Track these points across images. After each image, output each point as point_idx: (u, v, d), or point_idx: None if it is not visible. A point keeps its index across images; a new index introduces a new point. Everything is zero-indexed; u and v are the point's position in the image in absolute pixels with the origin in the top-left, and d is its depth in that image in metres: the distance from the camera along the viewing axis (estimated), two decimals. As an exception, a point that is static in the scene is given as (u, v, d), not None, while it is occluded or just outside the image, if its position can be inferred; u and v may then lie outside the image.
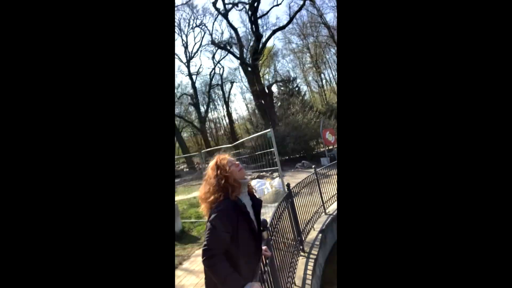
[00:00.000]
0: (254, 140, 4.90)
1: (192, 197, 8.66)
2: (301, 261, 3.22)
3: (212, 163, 1.47)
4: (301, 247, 3.45)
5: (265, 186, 7.37)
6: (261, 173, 10.06)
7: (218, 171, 1.40)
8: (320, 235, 3.93)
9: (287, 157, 13.45)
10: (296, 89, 19.47)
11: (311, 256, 3.35)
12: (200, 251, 4.23)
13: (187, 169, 20.04)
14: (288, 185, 3.51)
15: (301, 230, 3.60)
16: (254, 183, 7.84)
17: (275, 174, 10.06)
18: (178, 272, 3.62)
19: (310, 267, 3.08)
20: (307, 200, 4.09)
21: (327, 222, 4.31)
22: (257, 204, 1.49)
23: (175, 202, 5.97)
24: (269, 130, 3.63)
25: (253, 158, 5.59)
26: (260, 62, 21.27)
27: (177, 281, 3.36)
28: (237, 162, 1.47)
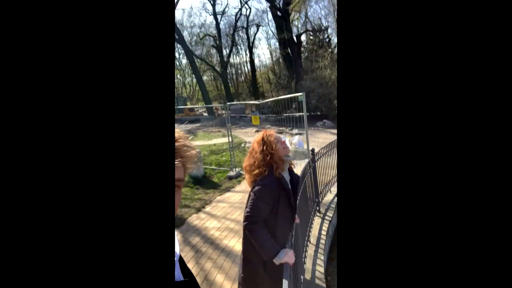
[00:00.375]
0: (283, 101, 4.80)
1: (213, 144, 8.98)
2: (317, 221, 3.44)
3: (258, 137, 1.51)
4: (317, 208, 3.66)
5: (285, 142, 7.47)
6: (280, 128, 10.11)
7: (264, 147, 1.44)
8: (336, 198, 4.11)
9: (308, 114, 13.23)
10: (327, 40, 18.05)
11: (326, 217, 3.57)
12: (220, 197, 4.50)
13: (206, 114, 20.34)
14: (312, 150, 3.56)
15: (319, 192, 3.77)
16: (274, 138, 7.95)
17: (295, 130, 10.09)
18: (201, 215, 3.99)
19: (324, 228, 3.31)
20: (327, 162, 4.17)
21: (344, 186, 4.45)
22: (296, 180, 1.57)
23: (199, 148, 6.25)
24: (301, 94, 3.53)
25: (276, 113, 5.57)
26: (292, 6, 19.51)
27: (200, 223, 3.73)
28: (282, 140, 1.50)
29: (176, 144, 0.53)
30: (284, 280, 1.16)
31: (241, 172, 5.90)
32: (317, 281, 2.33)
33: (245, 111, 15.43)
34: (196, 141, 9.96)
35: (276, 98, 4.49)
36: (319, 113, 13.55)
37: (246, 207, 1.41)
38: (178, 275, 0.57)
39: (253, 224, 1.36)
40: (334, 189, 4.37)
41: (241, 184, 5.35)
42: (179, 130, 0.57)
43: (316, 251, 2.80)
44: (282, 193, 1.42)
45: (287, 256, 1.33)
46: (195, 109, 22.02)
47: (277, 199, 1.40)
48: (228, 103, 6.12)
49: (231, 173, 5.75)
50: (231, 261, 2.72)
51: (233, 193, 4.86)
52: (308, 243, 2.84)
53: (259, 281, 1.44)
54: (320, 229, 3.29)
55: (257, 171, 1.44)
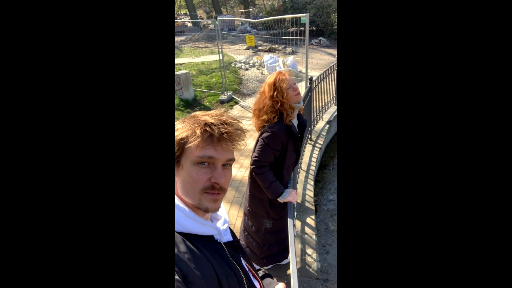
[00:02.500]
0: (283, 20, 4.30)
1: (200, 62, 8.42)
2: (308, 148, 3.62)
3: (270, 79, 1.40)
4: (309, 136, 3.78)
5: (278, 64, 7.12)
6: (273, 46, 9.44)
7: (275, 93, 1.36)
8: (327, 126, 4.22)
9: (302, 29, 12.18)
10: None
11: (317, 145, 3.74)
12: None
13: (190, 25, 18.34)
14: (311, 78, 3.43)
15: (312, 121, 3.83)
16: (267, 58, 7.51)
17: (288, 49, 9.47)
18: (195, 140, 4.07)
19: (315, 155, 3.51)
20: (323, 88, 4.10)
21: (335, 113, 4.50)
22: (303, 124, 1.56)
23: (188, 70, 5.88)
24: (305, 15, 3.15)
25: (268, 28, 5.09)
26: None
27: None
28: (295, 86, 1.40)
29: (229, 128, 0.58)
30: (288, 219, 1.28)
31: (233, 96, 5.76)
32: (306, 204, 2.61)
33: (234, 24, 13.96)
34: (181, 57, 9.28)
35: (277, 17, 4.02)
36: (314, 29, 12.50)
37: (254, 151, 1.43)
38: (229, 237, 0.67)
39: (260, 168, 1.41)
40: (325, 116, 4.44)
41: (234, 109, 5.31)
42: (229, 113, 0.61)
43: (306, 177, 3.04)
44: (290, 140, 1.43)
45: (290, 196, 1.44)
46: (178, 18, 19.75)
47: (285, 146, 1.42)
48: (218, 18, 5.46)
49: (223, 97, 5.62)
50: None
51: (225, 118, 4.86)
52: (299, 170, 3.04)
53: (264, 214, 1.59)
54: (311, 156, 3.48)
55: (265, 116, 1.40)
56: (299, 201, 2.63)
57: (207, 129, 0.57)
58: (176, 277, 0.48)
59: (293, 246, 1.17)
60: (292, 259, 1.10)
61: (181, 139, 0.57)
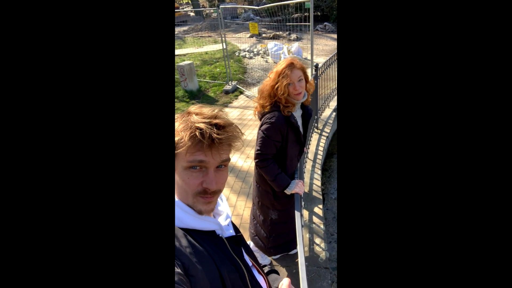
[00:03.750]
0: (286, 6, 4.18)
1: (204, 52, 8.33)
2: (314, 137, 3.57)
3: (278, 67, 1.32)
4: (315, 124, 3.73)
5: (282, 51, 6.98)
6: (277, 33, 9.25)
7: (276, 87, 1.31)
8: (334, 113, 4.15)
9: (306, 14, 11.85)
10: None
11: (323, 133, 3.69)
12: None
13: (193, 14, 18.06)
14: (316, 65, 3.35)
15: (318, 109, 3.77)
16: (271, 46, 7.37)
17: (293, 35, 9.27)
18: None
19: (321, 143, 3.47)
20: (329, 75, 4.01)
21: (342, 101, 4.43)
22: (308, 114, 1.51)
23: (191, 60, 5.82)
24: (309, -1, 3.04)
25: (272, 15, 4.96)
26: None
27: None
28: (299, 84, 1.32)
29: (221, 133, 0.55)
30: (296, 212, 1.26)
31: (237, 86, 5.71)
32: (314, 193, 2.60)
33: (237, 11, 13.69)
34: (185, 48, 9.18)
35: (280, 3, 3.91)
36: (319, 14, 12.16)
37: (256, 145, 1.40)
38: (231, 232, 0.66)
39: (263, 161, 1.39)
40: (332, 104, 4.36)
41: (238, 99, 5.26)
42: (228, 116, 0.60)
43: (313, 166, 3.01)
44: (290, 131, 1.39)
45: (297, 187, 1.42)
46: (180, 8, 19.48)
47: (285, 136, 1.39)
48: (221, 6, 5.34)
49: (227, 87, 5.57)
50: (235, 176, 2.94)
51: (231, 109, 4.83)
52: (306, 159, 3.02)
53: (269, 205, 1.58)
54: (317, 145, 3.44)
55: (262, 101, 1.37)
56: (306, 190, 2.62)
57: (197, 134, 0.53)
58: (178, 270, 0.48)
59: (301, 236, 1.16)
60: (300, 250, 1.09)
61: None
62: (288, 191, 1.42)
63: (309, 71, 3.56)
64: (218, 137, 0.54)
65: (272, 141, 1.36)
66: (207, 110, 0.59)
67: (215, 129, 0.55)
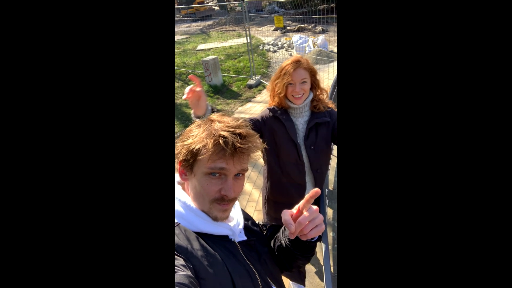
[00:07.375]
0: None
1: (228, 46, 8.37)
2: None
3: (285, 62, 1.23)
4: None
5: (307, 44, 6.84)
6: (302, 25, 9.06)
7: (275, 82, 1.24)
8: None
9: (333, 5, 11.44)
10: None
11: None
12: (242, 108, 4.52)
13: (217, 8, 18.18)
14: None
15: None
16: (296, 38, 7.24)
17: (318, 28, 9.03)
18: (225, 126, 4.12)
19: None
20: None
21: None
22: (320, 119, 1.26)
23: (215, 55, 5.88)
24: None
25: (297, 7, 4.85)
26: None
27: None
28: (300, 86, 1.18)
29: (244, 143, 0.56)
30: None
31: (261, 80, 5.69)
32: (338, 190, 2.55)
33: (261, 4, 13.56)
34: (209, 42, 9.28)
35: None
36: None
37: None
38: (244, 237, 0.67)
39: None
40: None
41: (262, 93, 5.25)
42: (249, 126, 0.60)
43: (338, 163, 2.95)
44: (280, 133, 1.26)
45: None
46: (205, 2, 19.68)
47: (270, 131, 1.28)
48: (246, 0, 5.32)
49: (251, 82, 5.57)
50: (258, 172, 2.96)
51: (254, 104, 4.84)
52: (332, 156, 2.96)
53: (279, 192, 1.50)
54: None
55: (270, 90, 1.33)
56: (331, 188, 2.57)
57: (220, 142, 0.54)
58: (188, 272, 0.48)
59: (326, 235, 1.14)
60: (325, 248, 1.08)
61: (194, 149, 0.56)
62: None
63: (334, 65, 3.44)
64: (240, 147, 0.55)
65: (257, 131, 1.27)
66: (229, 119, 0.60)
67: (238, 139, 0.56)
